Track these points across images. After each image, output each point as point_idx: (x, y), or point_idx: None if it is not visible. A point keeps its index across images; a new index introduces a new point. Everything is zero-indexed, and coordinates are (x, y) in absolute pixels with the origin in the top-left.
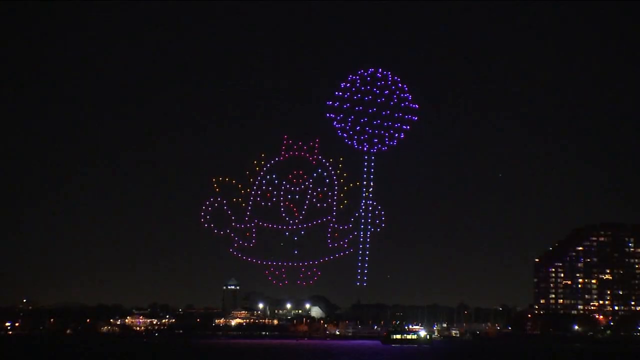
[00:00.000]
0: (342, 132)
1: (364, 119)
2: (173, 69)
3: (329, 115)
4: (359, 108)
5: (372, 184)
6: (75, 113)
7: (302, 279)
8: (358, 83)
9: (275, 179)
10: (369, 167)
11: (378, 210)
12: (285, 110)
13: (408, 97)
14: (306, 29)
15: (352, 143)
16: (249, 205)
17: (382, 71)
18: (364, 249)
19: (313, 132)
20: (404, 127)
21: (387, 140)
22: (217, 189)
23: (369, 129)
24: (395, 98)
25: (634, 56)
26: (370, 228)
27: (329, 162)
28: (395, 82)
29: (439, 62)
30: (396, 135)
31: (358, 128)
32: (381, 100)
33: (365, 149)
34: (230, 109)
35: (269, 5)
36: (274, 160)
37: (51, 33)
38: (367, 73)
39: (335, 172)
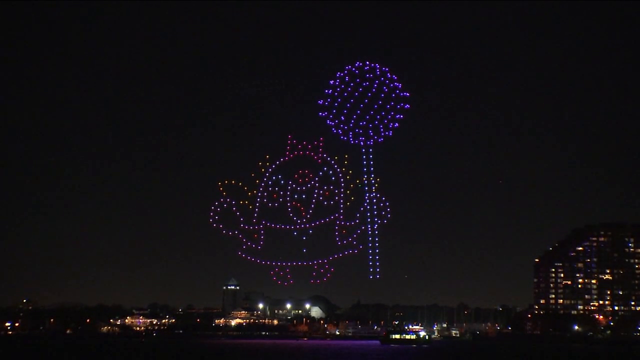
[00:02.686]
0: (337, 129)
1: (356, 113)
2: (177, 72)
3: (322, 113)
4: (350, 102)
5: (372, 176)
6: (77, 114)
7: (314, 277)
8: (347, 78)
9: (281, 179)
10: (367, 160)
11: (382, 202)
12: (288, 110)
13: (398, 85)
14: (292, 28)
15: (348, 138)
16: (256, 206)
17: (370, 64)
18: (373, 242)
19: (317, 131)
20: (398, 116)
21: (383, 131)
22: (224, 192)
23: (362, 122)
24: (386, 88)
25: (634, 56)
26: (377, 221)
27: (334, 160)
28: (384, 73)
29: (429, 51)
30: (390, 125)
31: (352, 123)
32: (372, 92)
33: (362, 142)
34: (233, 111)
35: (264, 6)
36: (279, 160)
37: (54, 34)
38: (355, 67)
39: (341, 169)
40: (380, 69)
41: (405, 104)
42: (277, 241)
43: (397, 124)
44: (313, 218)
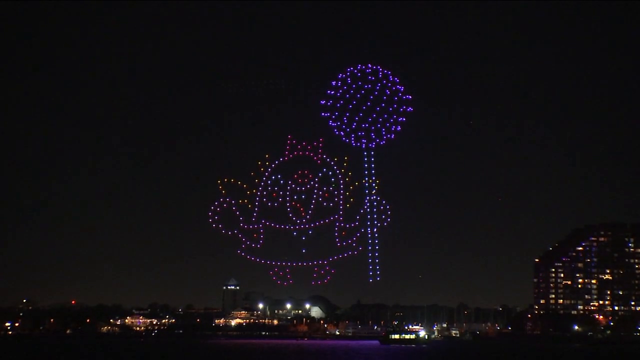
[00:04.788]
0: (339, 130)
1: (359, 115)
2: (178, 72)
3: (324, 114)
4: (352, 104)
5: (373, 179)
6: (77, 115)
7: (315, 278)
8: (349, 80)
9: (281, 179)
10: (369, 162)
11: (383, 204)
12: (289, 110)
13: (400, 88)
14: (293, 28)
15: (350, 140)
16: (256, 206)
17: (372, 66)
18: (373, 244)
19: (317, 132)
20: (400, 119)
21: (385, 134)
22: (224, 191)
23: (365, 125)
24: (388, 91)
25: (634, 56)
26: (377, 223)
27: (333, 161)
28: (386, 76)
29: (432, 54)
30: (393, 128)
31: (354, 125)
32: (374, 94)
33: (363, 145)
34: (234, 111)
35: (263, 6)
36: (279, 160)
37: (54, 34)
38: (357, 69)
39: (340, 170)
40: (382, 71)
41: (407, 107)
42: (277, 241)
43: (399, 127)
44: (313, 219)
